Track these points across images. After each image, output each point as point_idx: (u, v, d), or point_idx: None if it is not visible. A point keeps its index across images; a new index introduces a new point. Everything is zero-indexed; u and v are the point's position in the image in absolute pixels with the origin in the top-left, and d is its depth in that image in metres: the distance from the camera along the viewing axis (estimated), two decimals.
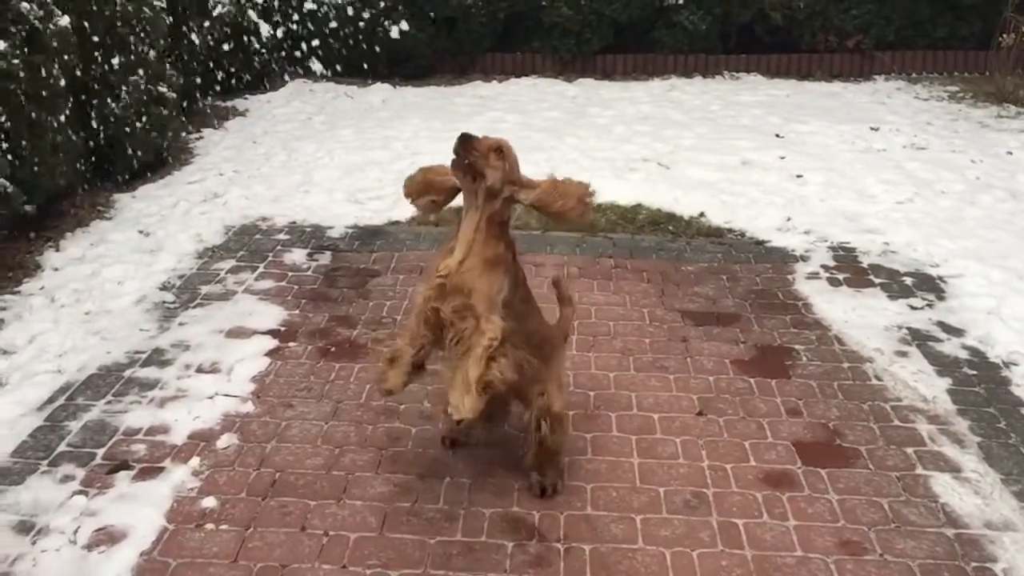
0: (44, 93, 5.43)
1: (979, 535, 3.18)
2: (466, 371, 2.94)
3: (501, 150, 3.11)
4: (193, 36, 7.92)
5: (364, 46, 9.73)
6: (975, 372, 4.19)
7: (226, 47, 8.95)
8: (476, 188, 3.13)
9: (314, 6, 9.73)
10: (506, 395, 3.28)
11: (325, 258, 5.41)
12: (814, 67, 10.25)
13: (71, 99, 5.87)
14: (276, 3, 9.85)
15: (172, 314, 4.69)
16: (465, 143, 3.08)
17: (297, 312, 4.75)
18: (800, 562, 3.06)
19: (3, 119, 5.15)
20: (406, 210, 6.08)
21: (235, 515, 3.25)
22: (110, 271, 5.12)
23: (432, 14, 9.63)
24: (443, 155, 7.27)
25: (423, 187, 3.31)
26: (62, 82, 5.61)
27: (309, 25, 9.87)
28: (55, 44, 5.53)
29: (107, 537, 3.13)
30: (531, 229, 5.81)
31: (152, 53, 6.76)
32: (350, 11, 9.61)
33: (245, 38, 9.20)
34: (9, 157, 5.19)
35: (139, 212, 6.05)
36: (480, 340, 2.96)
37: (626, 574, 3.01)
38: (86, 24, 6.16)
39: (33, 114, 5.35)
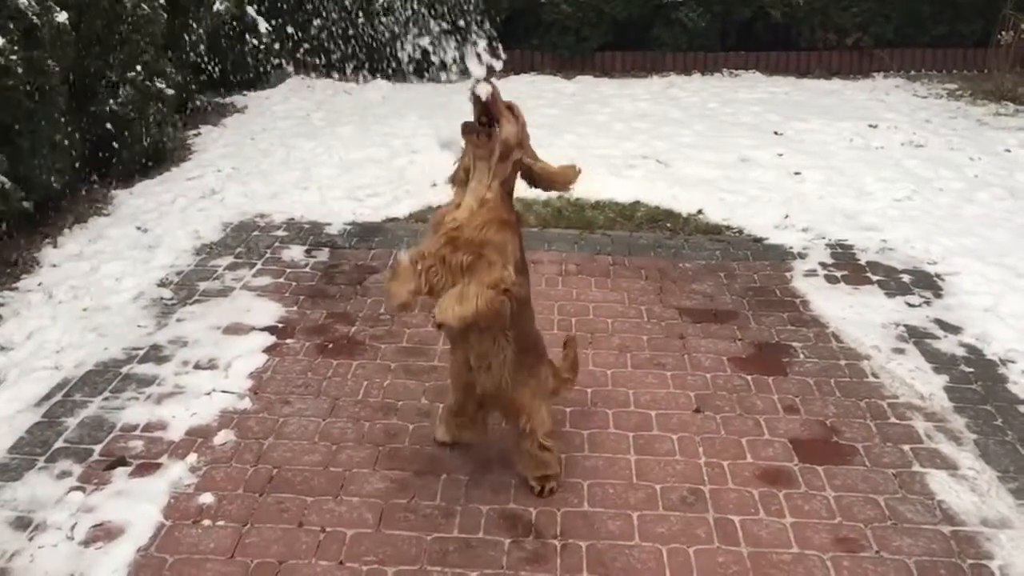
0: (42, 89, 5.43)
1: (975, 532, 3.18)
2: (467, 286, 2.90)
3: (512, 109, 3.12)
4: (191, 32, 7.90)
5: (364, 43, 9.73)
6: (972, 369, 4.20)
7: (224, 43, 8.94)
8: (491, 147, 3.06)
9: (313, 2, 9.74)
10: (485, 402, 3.30)
11: (323, 255, 5.41)
12: (813, 64, 10.26)
13: (69, 96, 5.87)
14: None
15: (170, 310, 4.69)
16: (485, 94, 3.04)
17: (295, 309, 4.75)
18: (796, 559, 3.06)
19: (1, 115, 5.14)
20: (404, 207, 6.10)
21: (232, 511, 3.25)
22: (108, 267, 5.12)
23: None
24: (440, 152, 7.24)
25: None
26: (60, 78, 5.60)
27: (308, 21, 9.86)
28: (53, 40, 5.52)
29: (104, 533, 3.13)
30: (529, 226, 5.81)
31: (150, 50, 6.75)
32: (348, 6, 9.61)
33: (244, 34, 9.19)
34: (7, 154, 5.19)
35: (137, 209, 6.05)
36: (491, 272, 2.92)
37: (623, 570, 3.01)
38: (84, 20, 6.15)
39: (31, 110, 5.35)
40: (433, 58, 9.36)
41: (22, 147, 5.31)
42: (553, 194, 6.24)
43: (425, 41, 9.09)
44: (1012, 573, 3.00)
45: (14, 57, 5.15)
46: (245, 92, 9.17)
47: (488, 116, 3.05)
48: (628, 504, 3.31)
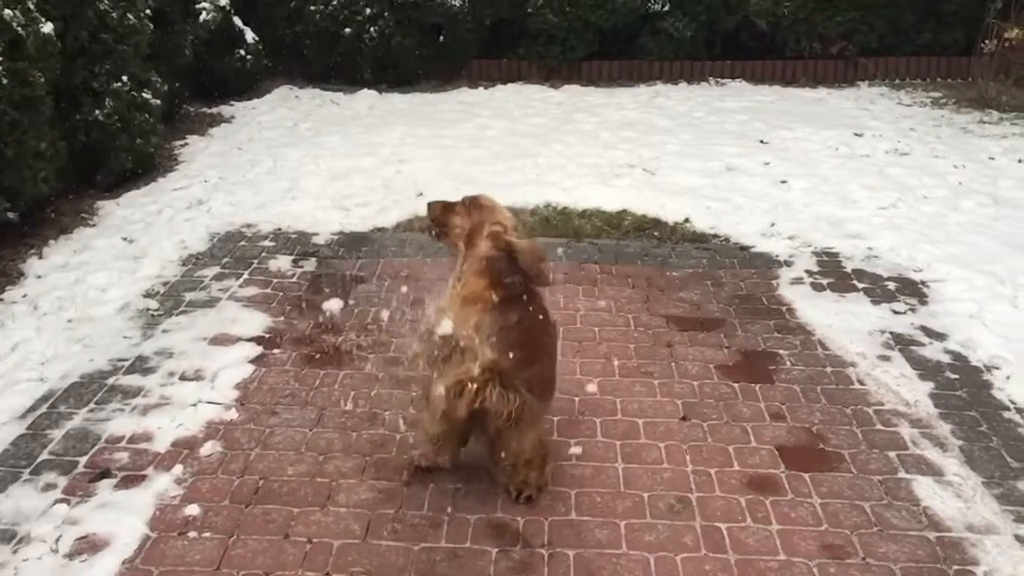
0: (27, 100, 5.41)
1: (961, 538, 3.19)
2: (434, 387, 3.12)
3: (468, 205, 3.32)
4: (178, 42, 7.89)
5: (350, 52, 9.73)
6: (957, 376, 4.22)
7: (211, 53, 8.93)
8: (451, 241, 3.41)
9: (300, 12, 9.74)
10: (490, 432, 3.28)
11: (310, 265, 5.40)
12: (798, 73, 10.31)
13: (55, 106, 5.85)
14: (262, 9, 9.85)
15: (156, 321, 4.67)
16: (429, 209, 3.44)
17: (282, 319, 4.74)
18: (783, 566, 3.06)
19: None
20: (392, 216, 6.10)
21: (218, 523, 3.24)
22: (93, 278, 5.10)
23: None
24: (429, 162, 7.29)
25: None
26: (45, 89, 5.58)
27: (295, 31, 9.87)
28: (39, 51, 5.51)
29: (89, 545, 3.12)
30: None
31: (136, 60, 6.74)
32: (337, 17, 9.61)
33: (230, 44, 9.19)
34: None
35: (123, 219, 6.03)
36: (461, 366, 3.06)
37: None
38: (70, 31, 6.14)
39: (16, 121, 5.33)
40: None
41: (7, 157, 5.28)
42: (540, 202, 6.30)
43: None
44: None
45: None
46: (232, 102, 9.16)
47: (436, 224, 3.39)
48: (616, 513, 3.31)
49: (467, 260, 3.24)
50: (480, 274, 3.16)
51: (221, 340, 4.48)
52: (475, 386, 3.02)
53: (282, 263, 5.39)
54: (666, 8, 9.93)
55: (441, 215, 3.38)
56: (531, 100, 9.38)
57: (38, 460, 3.55)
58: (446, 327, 3.09)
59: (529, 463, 3.31)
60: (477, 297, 3.12)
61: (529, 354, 3.16)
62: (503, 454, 3.26)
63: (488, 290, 3.12)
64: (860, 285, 5.13)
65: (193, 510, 3.29)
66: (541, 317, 3.27)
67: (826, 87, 10.08)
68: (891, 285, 5.13)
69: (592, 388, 4.09)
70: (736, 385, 4.14)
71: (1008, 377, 4.18)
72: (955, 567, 3.06)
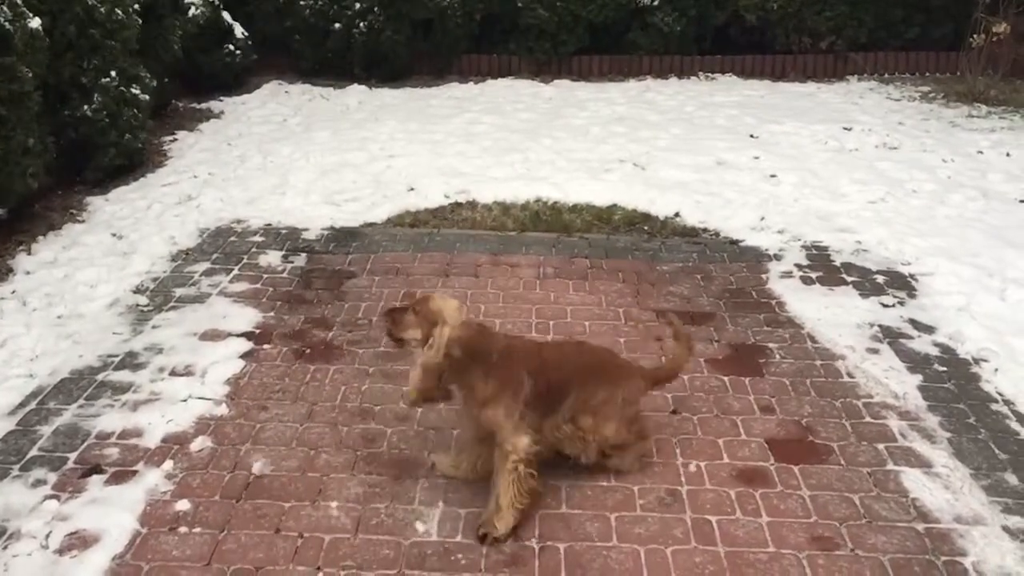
0: (15, 95, 5.38)
1: (949, 529, 3.21)
2: (498, 494, 3.15)
3: (418, 309, 3.21)
4: (167, 37, 7.86)
5: (340, 47, 9.71)
6: (945, 368, 4.24)
7: (200, 48, 8.91)
8: (406, 345, 3.31)
9: (290, 7, 9.71)
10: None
11: (300, 260, 5.39)
12: (788, 68, 10.34)
13: (43, 101, 5.82)
14: (251, 4, 9.82)
15: (145, 317, 4.66)
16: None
17: (272, 314, 4.73)
18: (772, 558, 3.08)
19: None
20: (382, 211, 6.09)
21: (209, 518, 3.24)
22: (83, 274, 5.08)
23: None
24: (419, 157, 7.28)
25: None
26: (33, 84, 5.56)
27: (285, 26, 9.85)
28: (26, 46, 5.48)
29: (79, 541, 3.11)
30: (507, 230, 5.83)
31: (125, 55, 6.72)
32: (327, 12, 9.59)
33: (219, 39, 9.16)
34: None
35: (112, 215, 6.01)
36: (503, 463, 3.15)
37: (600, 572, 3.02)
38: (58, 26, 6.11)
39: (3, 117, 5.30)
40: None
41: None
42: (531, 197, 6.30)
43: None
44: (985, 569, 3.03)
45: None
46: (221, 97, 9.14)
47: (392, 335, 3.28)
48: (606, 506, 3.32)
49: (423, 356, 3.19)
50: (433, 374, 3.17)
51: (211, 336, 4.48)
52: (525, 469, 3.15)
53: (272, 258, 5.38)
54: (656, 3, 9.93)
55: (395, 327, 3.25)
56: (521, 95, 9.37)
57: (28, 456, 3.55)
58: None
59: (618, 448, 3.39)
60: (481, 395, 3.17)
61: (554, 395, 3.27)
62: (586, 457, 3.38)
63: (477, 379, 3.16)
64: (849, 279, 5.14)
65: (183, 505, 3.29)
66: (548, 352, 3.37)
67: (816, 82, 10.10)
68: (880, 278, 5.15)
69: None
70: (726, 378, 4.15)
71: (996, 369, 4.21)
72: (943, 558, 3.08)
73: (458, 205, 6.23)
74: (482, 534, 3.14)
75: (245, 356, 4.31)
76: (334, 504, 3.31)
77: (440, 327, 3.13)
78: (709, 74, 10.27)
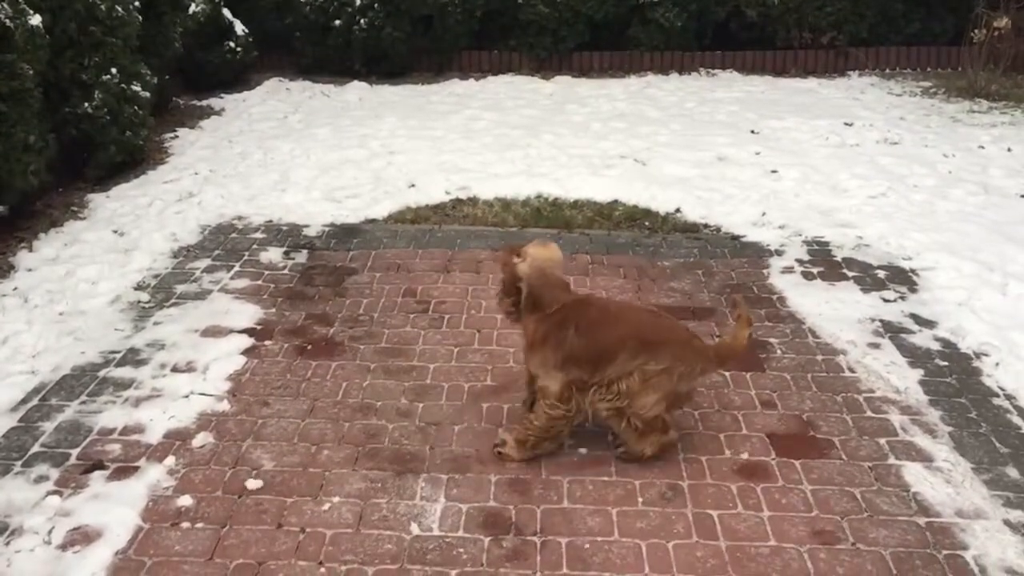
0: (15, 92, 5.38)
1: (950, 523, 3.22)
2: (527, 425, 3.49)
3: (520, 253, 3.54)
4: (167, 34, 7.86)
5: (340, 44, 9.71)
6: (946, 363, 4.24)
7: (200, 45, 8.91)
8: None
9: (290, 3, 9.71)
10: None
11: (301, 256, 5.40)
12: (789, 63, 10.33)
13: (43, 99, 5.83)
14: (251, 0, 9.82)
15: (147, 314, 4.66)
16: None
17: (273, 311, 4.73)
18: (774, 552, 3.08)
19: None
20: (383, 208, 6.10)
21: (211, 513, 3.25)
22: (84, 271, 5.09)
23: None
24: (420, 153, 7.29)
25: None
26: (34, 81, 5.56)
27: (285, 23, 9.84)
28: (27, 43, 5.48)
29: (82, 537, 3.12)
30: (508, 227, 5.83)
31: (125, 52, 6.72)
32: (327, 9, 9.59)
33: (220, 36, 9.16)
34: None
35: (113, 212, 6.01)
36: (538, 401, 3.49)
37: (602, 566, 3.02)
38: (58, 23, 6.11)
39: (4, 114, 5.30)
40: None
41: None
42: (532, 193, 6.31)
43: None
44: (986, 563, 3.03)
45: None
46: (222, 94, 9.14)
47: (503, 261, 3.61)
48: (607, 500, 3.32)
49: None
50: (531, 313, 3.49)
51: (213, 332, 4.48)
52: (553, 412, 3.42)
53: (273, 255, 5.38)
54: None
55: (508, 253, 3.56)
56: (522, 91, 9.37)
57: (30, 452, 3.55)
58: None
59: (652, 422, 3.43)
60: (528, 340, 3.50)
61: (601, 356, 3.39)
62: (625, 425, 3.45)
63: (541, 324, 3.45)
64: (850, 274, 5.14)
65: (186, 501, 3.30)
66: (600, 314, 3.49)
67: (816, 77, 10.09)
68: (881, 273, 5.15)
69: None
70: (727, 373, 4.15)
71: (997, 364, 4.21)
72: (944, 552, 3.08)
73: (459, 201, 6.23)
74: (498, 451, 3.50)
75: (246, 352, 4.32)
76: (336, 499, 3.32)
77: (521, 260, 3.47)
78: (710, 70, 10.27)
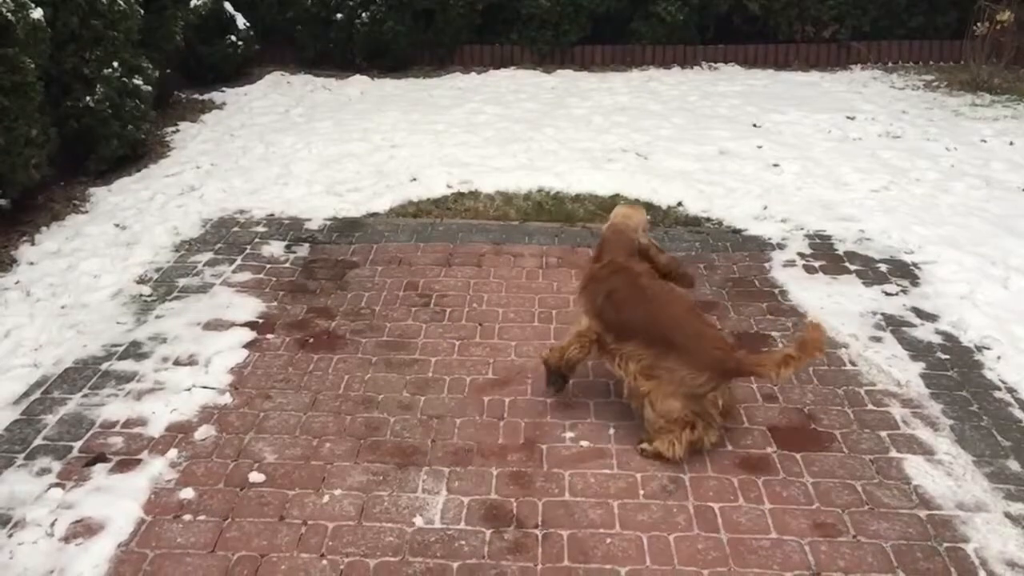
0: (17, 86, 5.38)
1: (951, 516, 3.22)
2: (563, 344, 3.83)
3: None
4: (168, 28, 7.85)
5: (342, 38, 9.70)
6: (948, 356, 4.24)
7: (202, 39, 8.90)
8: None
9: None
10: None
11: (303, 250, 5.40)
12: (791, 57, 10.31)
13: (45, 92, 5.83)
14: None
15: (149, 307, 4.67)
16: None
17: (275, 304, 4.74)
18: (775, 544, 3.09)
19: None
20: (385, 201, 6.10)
21: (213, 506, 3.25)
22: (86, 265, 5.09)
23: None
24: (422, 147, 7.27)
25: None
26: (35, 75, 5.56)
27: (287, 17, 9.83)
28: (28, 37, 5.48)
29: (84, 529, 3.13)
30: (509, 220, 5.83)
31: (127, 46, 6.71)
32: (328, 2, 9.58)
33: (221, 30, 9.15)
34: None
35: (115, 206, 6.02)
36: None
37: (603, 558, 3.03)
38: (60, 17, 6.11)
39: (6, 107, 5.30)
40: None
41: None
42: (534, 187, 6.31)
43: None
44: (987, 556, 3.04)
45: None
46: (223, 88, 9.13)
47: None
48: (609, 493, 3.33)
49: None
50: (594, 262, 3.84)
51: (215, 325, 4.49)
52: (580, 340, 3.72)
53: (275, 248, 5.39)
54: None
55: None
56: (524, 85, 9.36)
57: (32, 445, 3.56)
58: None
59: (677, 422, 3.45)
60: (586, 282, 3.82)
61: (621, 330, 3.58)
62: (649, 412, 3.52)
63: (592, 271, 3.79)
64: (852, 267, 5.14)
65: (188, 493, 3.31)
66: (631, 292, 3.60)
67: (819, 71, 10.07)
68: (883, 267, 5.14)
69: (585, 370, 4.10)
70: None
71: (999, 357, 4.21)
72: (945, 544, 3.09)
73: (461, 195, 6.23)
74: (544, 357, 3.87)
75: (248, 346, 4.33)
76: (337, 492, 3.33)
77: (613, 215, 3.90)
78: (712, 63, 10.25)
